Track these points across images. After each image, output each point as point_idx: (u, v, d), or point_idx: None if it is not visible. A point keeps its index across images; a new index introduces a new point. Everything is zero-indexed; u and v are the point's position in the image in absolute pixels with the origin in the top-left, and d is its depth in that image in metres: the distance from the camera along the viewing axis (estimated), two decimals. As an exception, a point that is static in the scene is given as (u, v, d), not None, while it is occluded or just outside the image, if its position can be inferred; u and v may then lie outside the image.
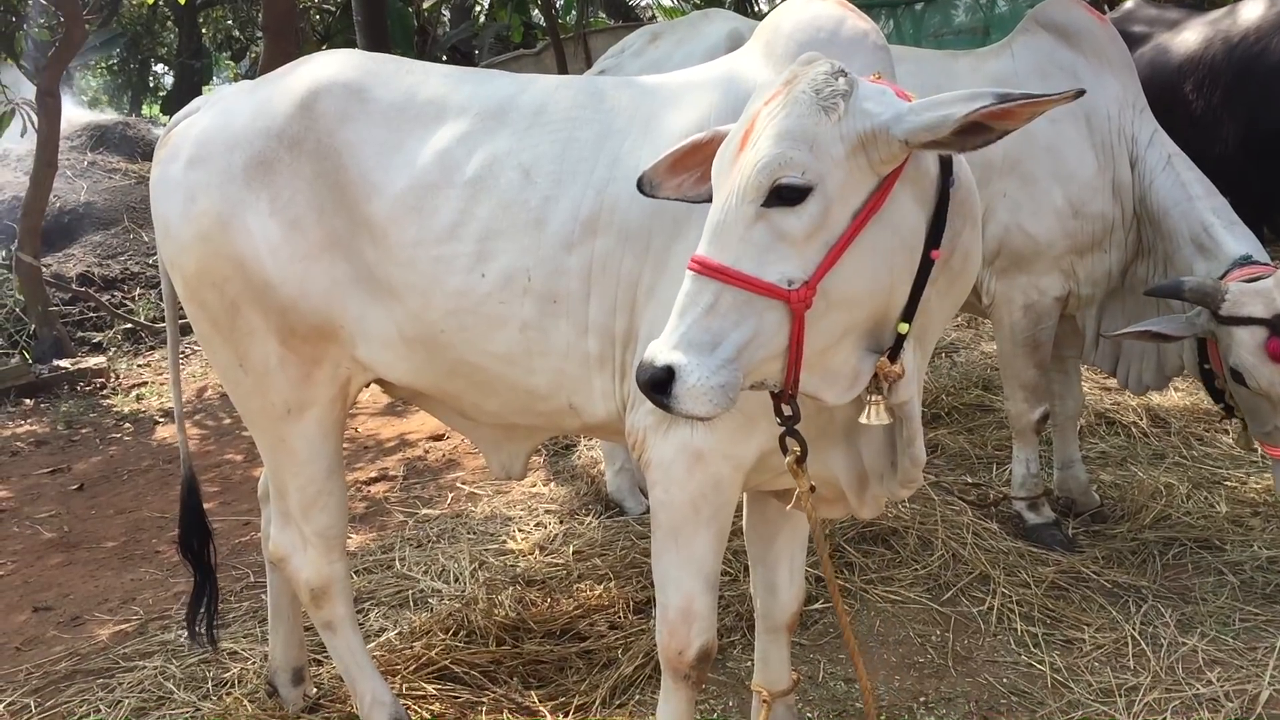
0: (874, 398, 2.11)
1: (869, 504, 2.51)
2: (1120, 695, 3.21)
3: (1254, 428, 3.56)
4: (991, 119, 1.84)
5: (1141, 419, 5.39)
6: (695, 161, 2.17)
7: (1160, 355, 4.00)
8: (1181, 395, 5.63)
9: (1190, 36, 6.78)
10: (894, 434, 2.37)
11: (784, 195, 1.86)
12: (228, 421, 7.08)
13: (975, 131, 1.86)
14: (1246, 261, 3.57)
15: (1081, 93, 1.84)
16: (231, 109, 2.78)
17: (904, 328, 2.05)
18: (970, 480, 4.84)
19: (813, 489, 2.17)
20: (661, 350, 1.84)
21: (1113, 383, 5.80)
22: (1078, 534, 4.32)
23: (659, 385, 1.82)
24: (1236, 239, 3.67)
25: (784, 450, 2.11)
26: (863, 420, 2.13)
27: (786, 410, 2.03)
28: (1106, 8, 8.56)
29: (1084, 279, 4.00)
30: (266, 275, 2.67)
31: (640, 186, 2.21)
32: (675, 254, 2.41)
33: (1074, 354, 4.36)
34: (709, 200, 2.04)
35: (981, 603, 3.77)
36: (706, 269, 1.87)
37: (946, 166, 2.03)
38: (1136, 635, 3.52)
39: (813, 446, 2.44)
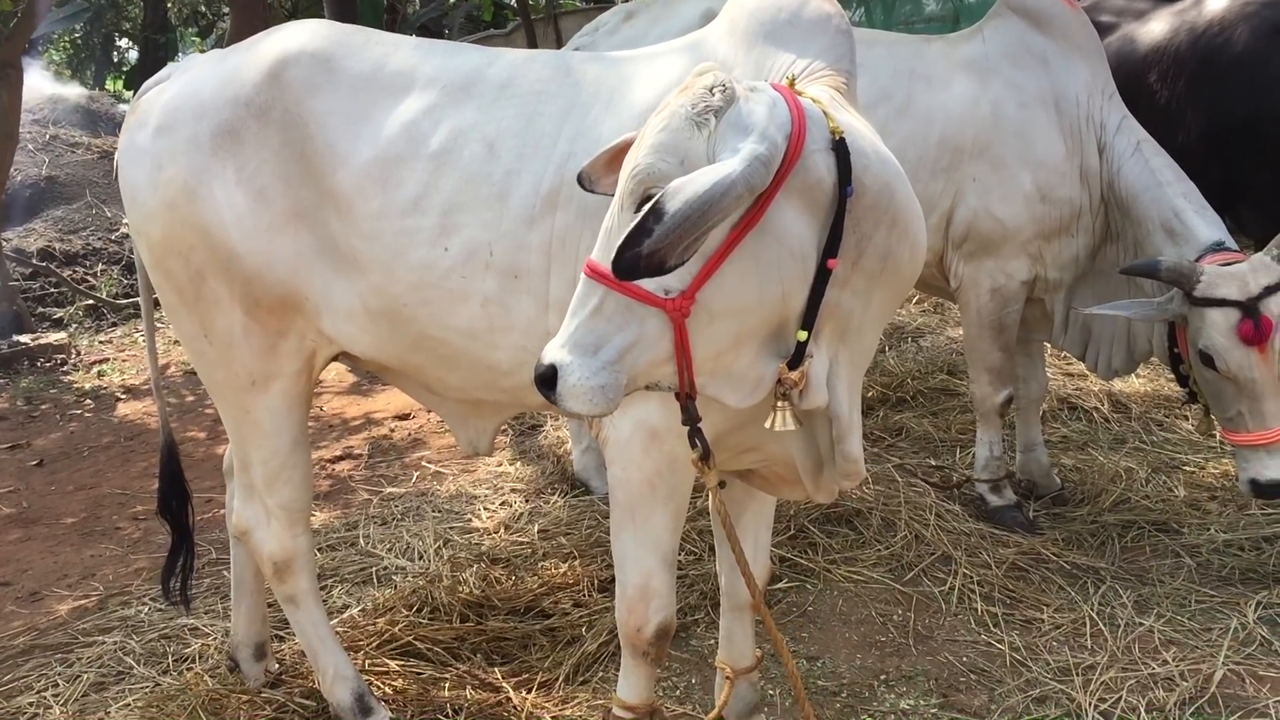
0: (780, 403, 2.10)
1: (824, 488, 2.51)
2: (1078, 674, 3.25)
3: (1217, 412, 3.59)
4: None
5: (1103, 404, 5.45)
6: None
7: (1130, 340, 4.03)
8: (1143, 381, 5.70)
9: (1156, 27, 6.83)
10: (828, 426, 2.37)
11: None
12: (190, 399, 7.02)
13: None
14: (1219, 248, 3.59)
15: None
16: (200, 77, 2.76)
17: (802, 335, 2.03)
18: (934, 463, 4.88)
19: (722, 484, 2.23)
20: (550, 349, 1.88)
21: (1076, 367, 5.86)
22: (1038, 516, 4.37)
23: (546, 381, 1.86)
24: (1208, 224, 3.69)
25: (693, 446, 2.11)
26: (767, 426, 2.12)
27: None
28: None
29: (1051, 263, 4.03)
30: (232, 245, 2.65)
31: (580, 182, 2.23)
32: None
33: (1041, 338, 4.39)
34: None
35: (943, 583, 3.81)
36: (594, 273, 1.89)
37: (845, 175, 1.99)
38: (1094, 615, 3.57)
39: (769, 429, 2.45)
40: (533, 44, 11.97)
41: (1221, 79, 6.39)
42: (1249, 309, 3.35)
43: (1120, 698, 3.14)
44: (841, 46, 2.30)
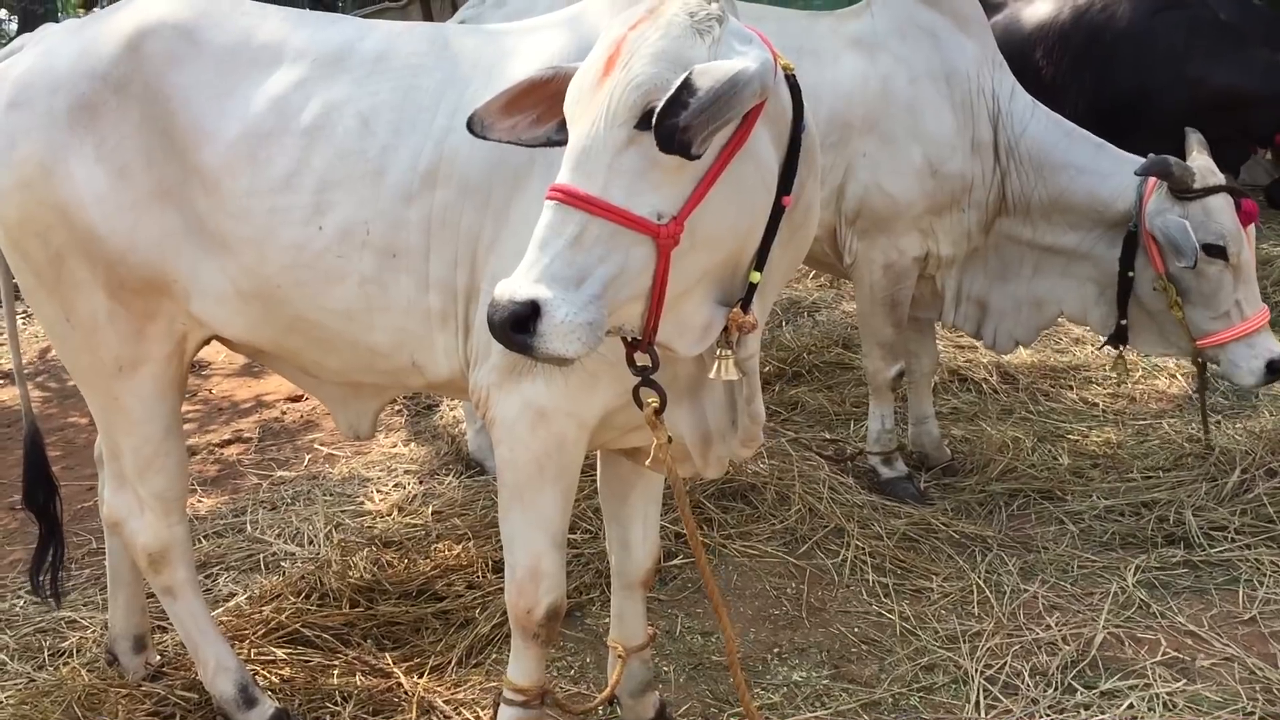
0: (723, 352, 2.08)
1: (713, 463, 2.51)
2: (965, 641, 3.32)
3: (1204, 315, 3.71)
4: None
5: (992, 375, 5.56)
6: (531, 102, 2.09)
7: (1036, 306, 4.10)
8: (1030, 353, 5.81)
9: (1042, 5, 6.98)
10: (734, 392, 2.37)
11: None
12: (70, 384, 6.75)
13: None
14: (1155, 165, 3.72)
15: None
16: (55, 49, 2.62)
17: (756, 277, 2.02)
18: (828, 436, 4.93)
19: (670, 441, 2.12)
20: (521, 285, 1.74)
21: (965, 340, 5.96)
22: (929, 487, 4.44)
23: (520, 323, 1.72)
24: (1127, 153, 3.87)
25: (639, 403, 2.05)
26: (711, 376, 2.11)
27: (642, 360, 1.98)
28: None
29: (943, 239, 4.06)
30: (93, 225, 2.53)
31: (470, 126, 2.10)
32: (516, 207, 2.35)
33: (930, 316, 4.43)
34: (545, 144, 2.01)
35: (836, 555, 3.84)
36: (572, 198, 1.79)
37: (799, 111, 2.01)
38: (981, 583, 3.64)
39: None
40: (428, 17, 11.71)
41: (1107, 55, 6.57)
42: (1236, 192, 3.59)
43: (1005, 663, 3.21)
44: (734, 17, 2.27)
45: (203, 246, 2.56)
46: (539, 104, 2.07)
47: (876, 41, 4.04)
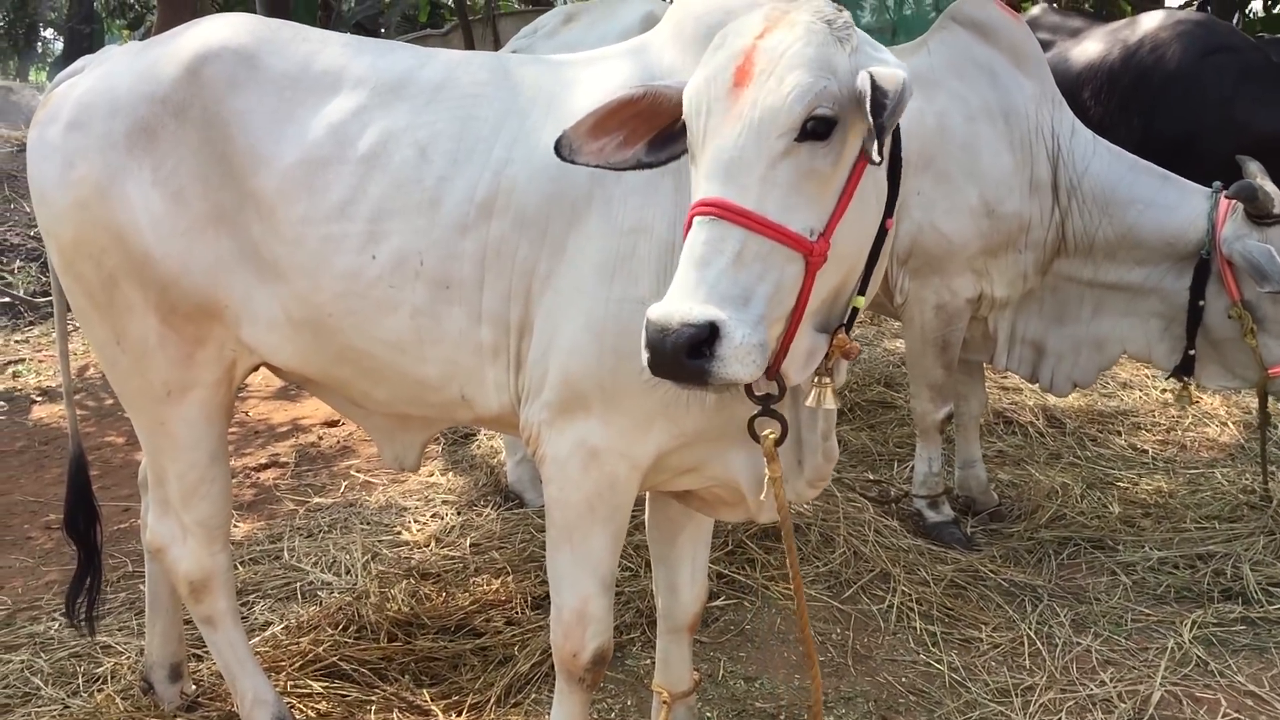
0: (822, 379, 2.02)
1: (768, 507, 2.45)
2: (1016, 695, 3.22)
3: (1277, 343, 3.68)
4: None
5: (1038, 418, 5.47)
6: (616, 123, 2.02)
7: (1094, 349, 4.03)
8: (1077, 396, 5.72)
9: (1091, 45, 6.93)
10: (795, 432, 2.32)
11: (816, 130, 1.76)
12: (109, 402, 6.77)
13: None
14: (1221, 188, 3.73)
15: None
16: (115, 71, 2.61)
17: (860, 301, 1.95)
18: (872, 477, 4.85)
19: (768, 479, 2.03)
20: (691, 305, 1.65)
21: (1011, 381, 5.88)
22: (976, 532, 4.35)
23: (695, 347, 1.64)
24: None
25: (754, 435, 1.99)
26: (810, 404, 2.04)
27: (763, 388, 1.90)
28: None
29: (998, 280, 3.99)
30: (147, 248, 2.51)
31: (559, 150, 2.04)
32: (573, 241, 2.30)
33: (980, 359, 4.35)
34: (633, 167, 1.97)
35: (882, 600, 3.76)
36: (730, 213, 1.72)
37: (896, 130, 1.98)
38: (1032, 635, 3.55)
39: (713, 448, 2.38)
40: (470, 45, 11.81)
41: (1156, 97, 6.49)
42: None
43: (1060, 719, 3.11)
44: None
45: (256, 273, 2.53)
46: (624, 125, 2.02)
47: (933, 78, 3.99)
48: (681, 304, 1.66)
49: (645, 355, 1.70)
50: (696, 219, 1.74)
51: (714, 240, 1.71)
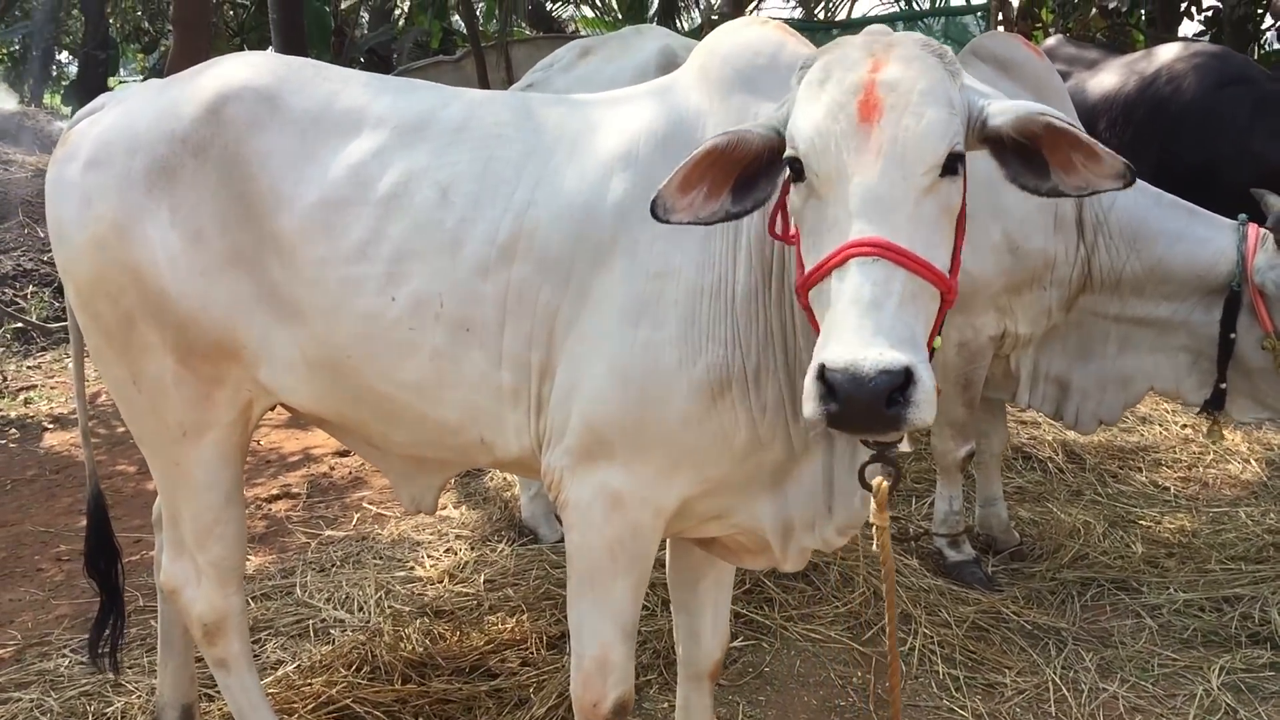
0: None
1: (793, 556, 2.42)
2: (1043, 744, 3.16)
3: None
4: (1052, 134, 1.82)
5: (1058, 454, 5.41)
6: (699, 174, 1.95)
7: (1120, 385, 3.98)
8: (1096, 432, 5.65)
9: (1107, 77, 6.92)
10: (828, 477, 2.29)
11: (951, 165, 1.75)
12: (120, 430, 6.74)
13: (1022, 154, 1.85)
14: (1247, 219, 3.72)
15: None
16: (135, 110, 2.59)
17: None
18: (891, 515, 4.78)
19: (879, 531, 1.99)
20: (880, 351, 1.59)
21: (1029, 416, 5.82)
22: (997, 572, 4.29)
23: (892, 393, 1.58)
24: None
25: (864, 484, 1.94)
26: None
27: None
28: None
29: (1021, 317, 3.94)
30: (165, 288, 2.48)
31: (655, 213, 1.94)
32: (598, 285, 2.26)
33: (1003, 397, 4.30)
34: (723, 219, 1.94)
35: (903, 643, 3.69)
36: (892, 253, 1.68)
37: None
38: (1058, 680, 3.48)
39: (739, 495, 2.35)
40: (483, 72, 11.83)
41: (1171, 129, 6.47)
42: None
43: (1087, 769, 3.05)
44: None
45: (274, 313, 2.49)
46: (706, 176, 1.95)
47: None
48: (868, 350, 1.60)
49: (823, 406, 1.64)
50: (856, 260, 1.68)
51: (881, 281, 1.67)
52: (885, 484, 1.91)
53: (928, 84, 1.77)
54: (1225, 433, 5.03)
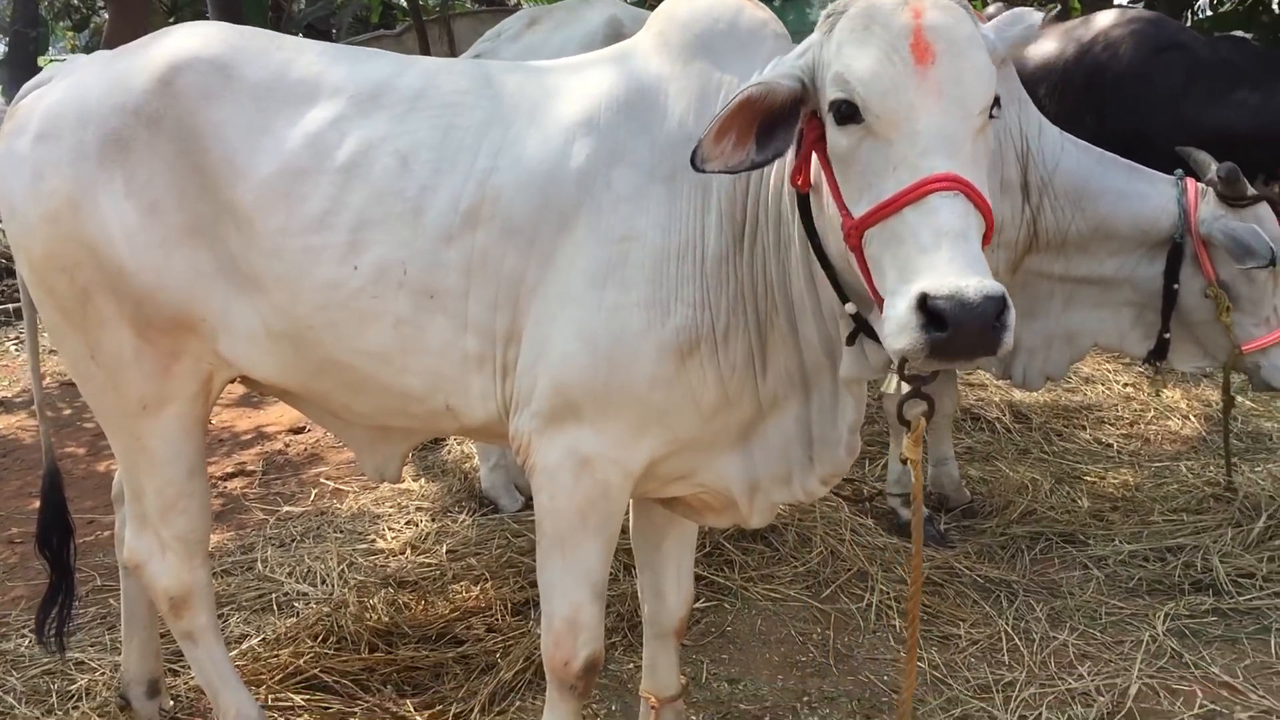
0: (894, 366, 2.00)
1: (759, 512, 2.47)
2: (997, 691, 3.26)
3: (1249, 321, 3.74)
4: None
5: (1005, 414, 5.52)
6: (731, 125, 1.96)
7: (1066, 342, 4.06)
8: (1041, 391, 5.77)
9: (1046, 43, 7.00)
10: (805, 430, 2.33)
11: (991, 107, 1.85)
12: (68, 412, 6.66)
13: None
14: (1184, 175, 3.82)
15: None
16: (85, 81, 2.55)
17: None
18: (845, 477, 4.86)
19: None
20: (980, 279, 1.66)
21: (977, 379, 5.93)
22: (949, 529, 4.39)
23: (995, 321, 1.65)
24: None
25: (903, 421, 2.00)
26: (888, 390, 2.03)
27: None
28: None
29: None
30: (121, 261, 2.46)
31: (694, 163, 1.97)
32: (562, 251, 2.29)
33: None
34: (749, 168, 1.98)
35: (860, 599, 3.78)
36: (966, 187, 1.75)
37: None
38: (1010, 630, 3.58)
39: (704, 454, 2.39)
40: (425, 46, 11.67)
41: (1108, 94, 6.58)
42: (1273, 202, 3.68)
43: (1041, 714, 3.14)
44: (783, 50, 2.20)
45: (234, 285, 2.49)
46: (733, 126, 1.96)
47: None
48: (969, 278, 1.66)
49: (926, 335, 1.67)
50: (938, 194, 1.74)
51: (962, 214, 1.74)
52: (921, 410, 1.98)
53: (969, 30, 1.84)
54: (1165, 390, 5.18)
